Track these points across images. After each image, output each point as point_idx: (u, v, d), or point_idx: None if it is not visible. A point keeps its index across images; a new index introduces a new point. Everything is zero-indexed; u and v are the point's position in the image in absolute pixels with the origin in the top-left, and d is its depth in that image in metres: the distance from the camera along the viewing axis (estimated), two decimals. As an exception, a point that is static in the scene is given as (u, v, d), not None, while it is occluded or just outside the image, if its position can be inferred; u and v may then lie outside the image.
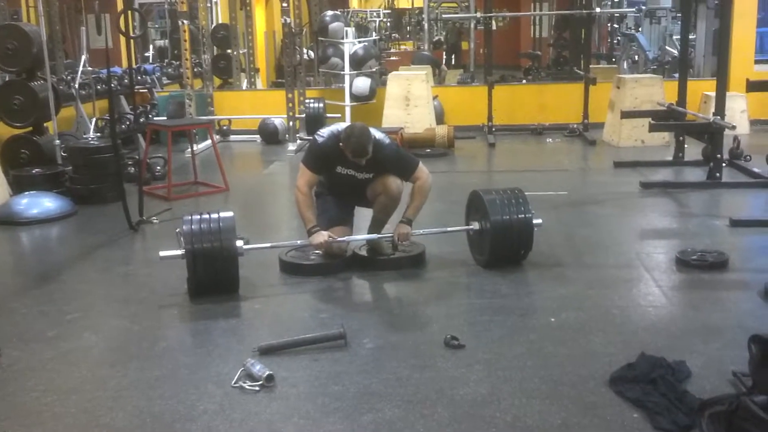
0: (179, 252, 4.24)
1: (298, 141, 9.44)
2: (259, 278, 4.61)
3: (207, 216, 4.31)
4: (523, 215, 4.60)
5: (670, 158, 7.95)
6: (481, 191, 4.79)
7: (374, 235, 4.82)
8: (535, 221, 4.62)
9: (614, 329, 3.78)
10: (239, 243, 4.29)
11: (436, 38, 16.91)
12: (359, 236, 4.89)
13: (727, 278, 4.55)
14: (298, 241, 4.85)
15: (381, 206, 4.78)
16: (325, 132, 4.64)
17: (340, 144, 4.47)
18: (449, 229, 5.06)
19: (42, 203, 6.31)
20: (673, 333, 3.74)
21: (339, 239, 4.65)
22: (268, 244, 4.78)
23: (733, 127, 6.70)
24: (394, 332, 3.84)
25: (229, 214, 4.38)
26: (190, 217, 4.31)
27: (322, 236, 4.54)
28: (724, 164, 6.93)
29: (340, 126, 4.62)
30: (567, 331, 3.77)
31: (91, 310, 4.32)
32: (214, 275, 4.26)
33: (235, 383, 3.26)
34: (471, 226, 4.82)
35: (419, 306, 4.25)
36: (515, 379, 3.27)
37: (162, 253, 4.32)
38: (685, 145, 7.80)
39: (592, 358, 3.45)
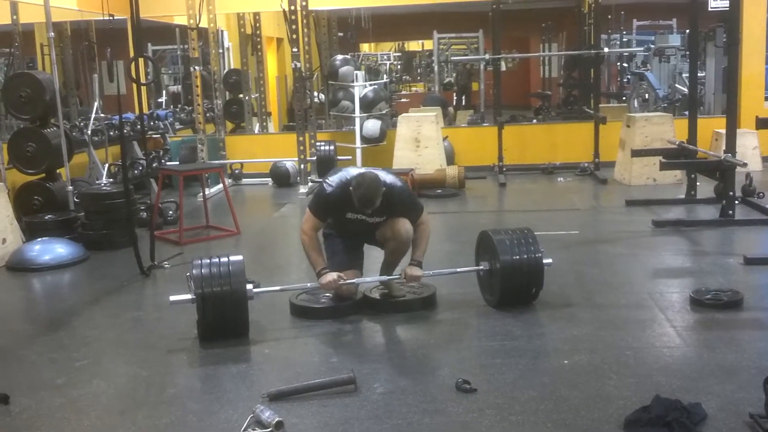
0: (189, 297, 4.24)
1: (309, 183, 9.48)
2: (269, 321, 4.60)
3: (217, 260, 4.31)
4: (532, 255, 4.58)
5: (682, 196, 7.91)
6: (490, 231, 4.78)
7: (384, 277, 4.81)
8: (545, 261, 4.60)
9: (628, 371, 3.73)
10: (249, 287, 4.28)
11: (447, 80, 17.03)
12: (369, 278, 4.88)
13: (742, 317, 4.49)
14: (309, 284, 4.83)
15: (391, 250, 4.77)
16: (334, 180, 4.56)
17: (350, 189, 4.44)
18: (459, 270, 5.02)
19: (54, 249, 6.33)
20: (688, 374, 3.68)
21: (348, 281, 4.64)
22: (278, 288, 4.77)
23: (745, 165, 6.66)
24: (404, 376, 3.80)
25: (239, 257, 4.37)
26: (200, 261, 4.31)
27: (332, 276, 4.53)
28: (736, 202, 6.89)
29: (350, 172, 4.56)
30: (580, 374, 3.72)
31: (101, 356, 4.31)
32: (223, 320, 4.25)
33: (244, 430, 3.23)
34: (480, 267, 4.80)
35: (430, 349, 4.21)
36: (528, 424, 3.22)
37: (172, 298, 4.32)
38: (697, 183, 7.77)
39: (605, 401, 3.40)
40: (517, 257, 4.56)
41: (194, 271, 4.25)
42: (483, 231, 4.89)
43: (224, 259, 4.31)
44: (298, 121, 9.76)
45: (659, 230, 6.72)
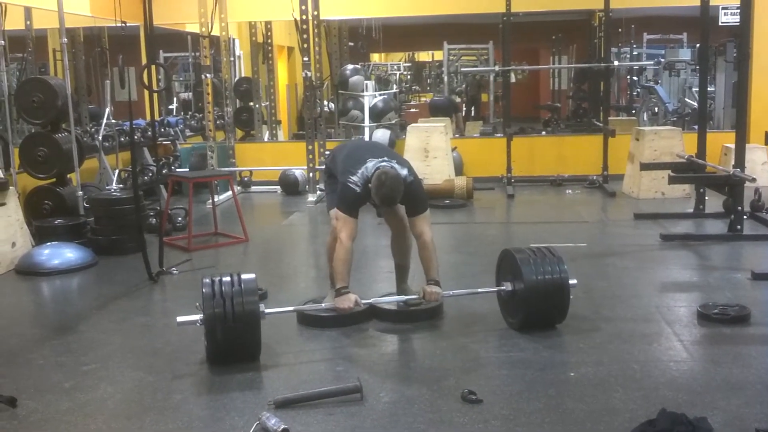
0: (197, 318, 4.06)
1: (318, 192, 9.50)
2: (276, 329, 4.58)
3: (228, 279, 4.11)
4: (558, 276, 4.41)
5: (691, 210, 7.90)
6: (513, 250, 4.62)
7: (402, 297, 4.83)
8: (570, 281, 4.44)
9: (634, 384, 3.73)
10: (261, 306, 4.12)
11: (458, 89, 17.05)
12: (386, 298, 4.87)
13: (749, 332, 4.48)
14: (323, 304, 4.69)
15: (396, 250, 4.92)
16: (357, 179, 4.49)
17: (370, 186, 4.46)
18: (480, 290, 4.86)
19: (63, 254, 6.36)
20: (695, 389, 3.68)
21: (364, 302, 4.61)
22: (291, 308, 4.64)
23: (754, 180, 6.66)
24: (410, 386, 3.81)
25: (251, 276, 4.18)
26: (210, 280, 4.13)
27: (350, 301, 4.45)
28: (745, 217, 6.88)
29: (369, 168, 4.50)
30: (586, 387, 3.72)
31: (109, 361, 4.32)
32: (234, 343, 4.06)
33: (249, 437, 3.24)
34: (502, 287, 4.64)
35: (436, 359, 4.21)
36: (533, 436, 3.23)
37: (179, 319, 4.14)
38: (706, 198, 7.75)
39: (611, 414, 3.40)
40: (542, 278, 4.38)
41: (204, 290, 4.05)
42: (505, 249, 4.74)
43: (235, 278, 4.11)
44: (307, 130, 9.79)
45: (667, 244, 6.71)
